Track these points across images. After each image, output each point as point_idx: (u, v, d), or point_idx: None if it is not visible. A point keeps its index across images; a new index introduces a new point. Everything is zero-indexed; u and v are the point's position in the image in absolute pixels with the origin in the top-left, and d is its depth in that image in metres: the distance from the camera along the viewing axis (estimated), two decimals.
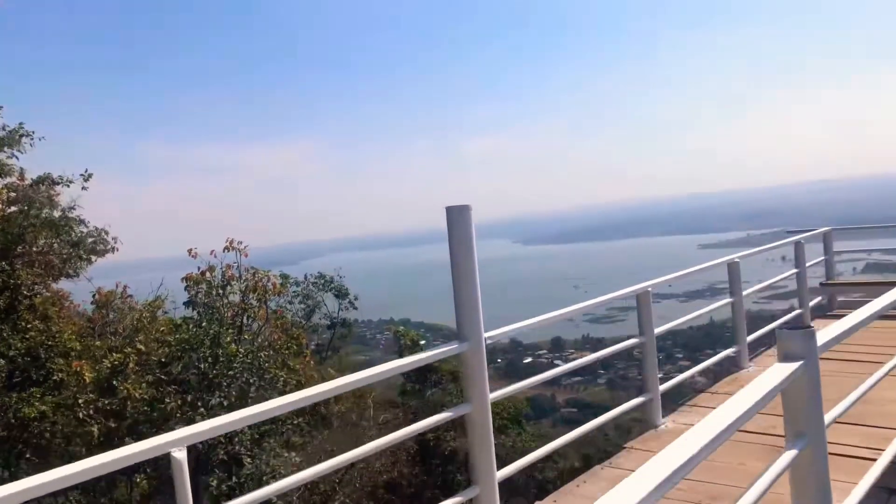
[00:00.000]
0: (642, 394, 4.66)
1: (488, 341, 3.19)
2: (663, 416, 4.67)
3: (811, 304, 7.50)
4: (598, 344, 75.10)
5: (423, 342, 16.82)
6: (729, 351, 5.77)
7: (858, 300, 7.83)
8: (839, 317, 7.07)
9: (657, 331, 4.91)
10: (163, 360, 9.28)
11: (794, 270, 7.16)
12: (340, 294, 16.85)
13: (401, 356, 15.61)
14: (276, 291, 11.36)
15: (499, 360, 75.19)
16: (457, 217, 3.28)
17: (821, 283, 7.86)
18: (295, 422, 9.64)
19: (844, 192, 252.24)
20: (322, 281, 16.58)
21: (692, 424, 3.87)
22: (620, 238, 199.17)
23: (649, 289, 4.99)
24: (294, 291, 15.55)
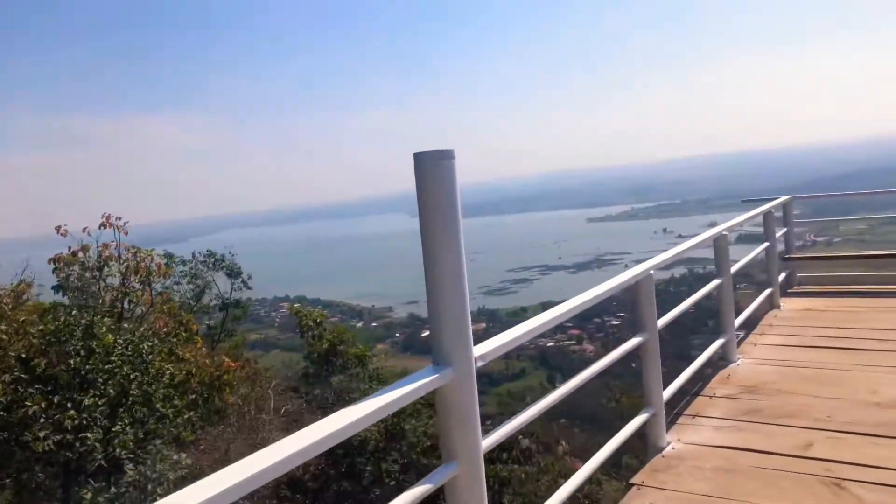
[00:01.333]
0: (645, 408, 3.67)
1: (479, 363, 2.07)
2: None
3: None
4: (493, 315, 76.70)
5: (324, 323, 15.77)
6: (717, 343, 4.93)
7: (820, 276, 7.61)
8: (803, 294, 7.01)
9: (661, 322, 3.80)
10: (23, 355, 7.98)
11: (765, 244, 6.43)
12: (232, 273, 16.06)
13: (302, 336, 14.76)
14: (161, 273, 10.36)
15: (397, 335, 75.61)
16: (432, 169, 1.99)
17: (782, 258, 7.19)
18: (185, 416, 8.49)
19: (719, 167, 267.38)
20: (212, 260, 15.78)
21: (705, 445, 3.65)
22: (514, 212, 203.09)
23: (651, 272, 3.82)
24: (181, 272, 14.71)
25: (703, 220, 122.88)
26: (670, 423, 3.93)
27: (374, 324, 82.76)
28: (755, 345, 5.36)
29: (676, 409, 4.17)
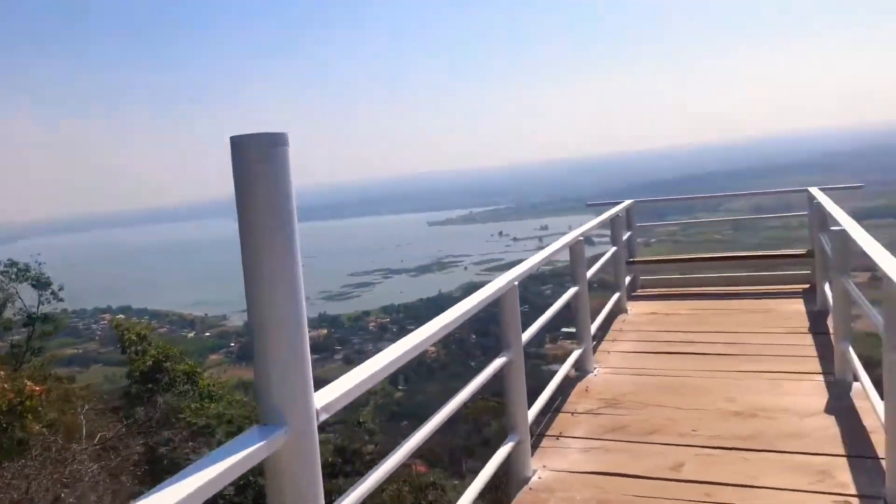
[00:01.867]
0: (510, 435, 3.20)
1: (322, 417, 1.53)
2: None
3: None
4: (335, 320, 75.71)
5: (148, 337, 14.38)
6: (575, 354, 4.66)
7: (664, 279, 7.67)
8: (648, 298, 7.13)
9: (525, 337, 3.43)
10: None
11: (612, 248, 6.25)
12: (39, 284, 14.57)
13: (123, 352, 13.48)
14: None
15: (232, 344, 72.56)
16: (258, 157, 1.46)
17: (627, 262, 7.03)
18: None
19: (553, 172, 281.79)
20: (14, 270, 14.34)
21: (573, 471, 3.35)
22: (352, 216, 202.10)
23: (515, 283, 3.34)
24: None
25: (536, 223, 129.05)
26: (534, 445, 3.65)
27: (206, 333, 78.83)
28: (609, 352, 5.28)
29: (539, 428, 3.89)
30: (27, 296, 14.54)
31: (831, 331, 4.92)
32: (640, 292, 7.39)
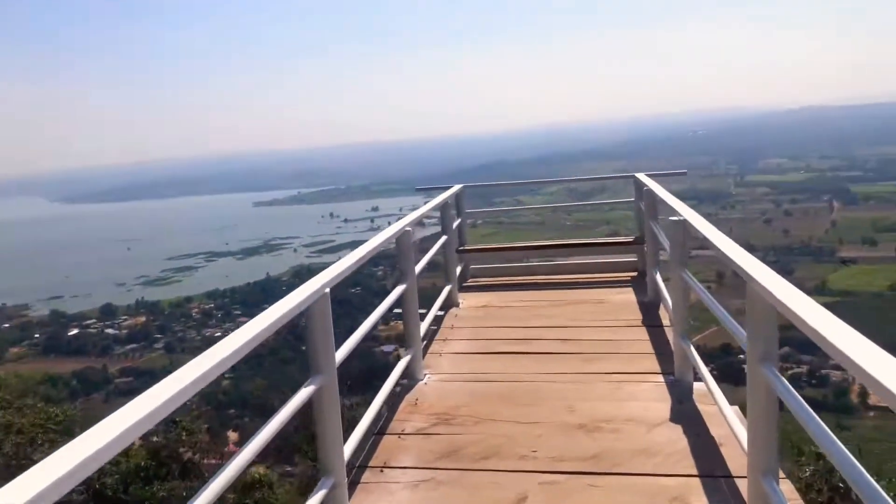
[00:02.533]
0: (322, 480, 2.74)
1: None
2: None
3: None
4: (154, 307, 71.77)
5: None
6: (403, 362, 4.29)
7: (492, 268, 7.45)
8: (479, 288, 6.95)
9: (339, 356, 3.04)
10: None
11: (443, 238, 5.85)
12: None
13: None
14: None
15: (36, 336, 66.55)
16: None
17: (457, 250, 6.65)
18: None
19: (380, 154, 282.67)
20: None
21: None
22: (175, 196, 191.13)
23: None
24: None
25: (366, 204, 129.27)
26: (353, 481, 3.11)
27: (6, 325, 71.71)
28: (440, 354, 4.88)
29: (360, 459, 3.33)
30: None
31: (664, 322, 4.99)
32: (471, 282, 7.12)
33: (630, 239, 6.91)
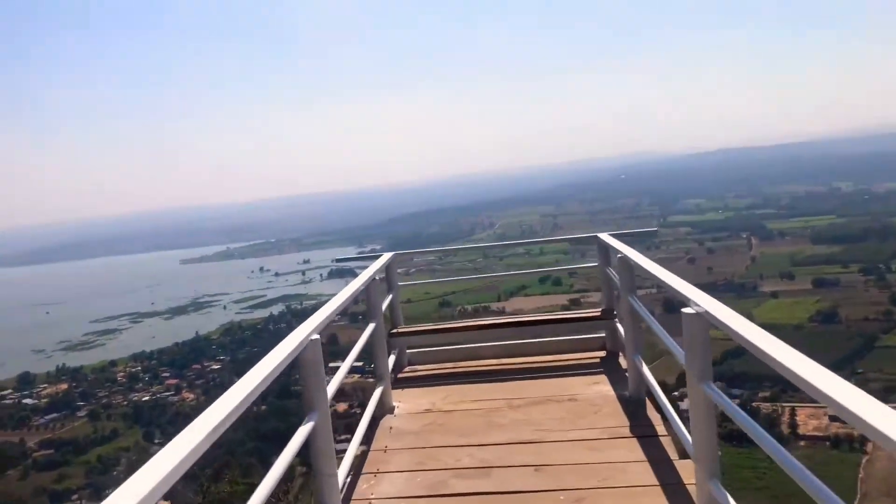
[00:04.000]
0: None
1: None
2: None
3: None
4: (77, 373, 68.57)
5: None
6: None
7: (433, 351, 6.10)
8: (416, 382, 5.51)
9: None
10: None
11: (371, 325, 4.65)
12: None
13: None
14: None
15: None
16: None
17: (390, 333, 5.70)
18: None
19: (308, 207, 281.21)
20: None
21: None
22: (97, 256, 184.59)
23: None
24: None
25: (298, 257, 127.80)
26: None
27: None
28: (371, 498, 3.57)
29: None
30: None
31: (659, 431, 4.05)
32: (408, 371, 5.86)
33: (597, 312, 5.80)
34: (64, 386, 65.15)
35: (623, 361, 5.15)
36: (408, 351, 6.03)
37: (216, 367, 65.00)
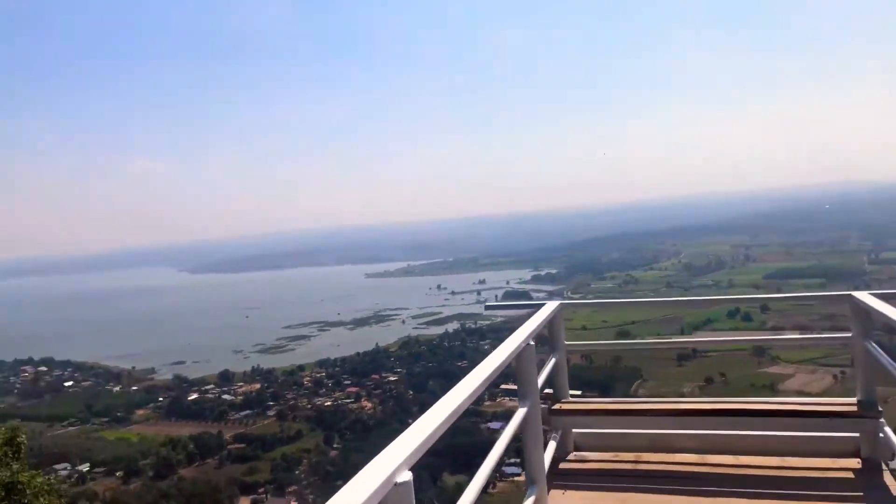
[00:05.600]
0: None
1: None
2: None
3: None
4: (269, 374, 73.90)
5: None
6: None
7: (607, 434, 4.61)
8: (582, 477, 4.17)
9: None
10: None
11: (522, 410, 3.28)
12: None
13: None
14: None
15: (160, 399, 69.80)
16: None
17: (551, 411, 4.43)
18: None
19: (486, 227, 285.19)
20: None
21: None
22: (293, 266, 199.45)
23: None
24: None
25: (473, 277, 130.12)
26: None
27: (134, 387, 75.77)
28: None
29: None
30: None
31: None
32: (572, 460, 4.45)
33: (851, 404, 4.14)
34: (257, 385, 70.54)
35: (891, 480, 3.70)
36: (574, 431, 4.61)
37: (393, 378, 67.35)
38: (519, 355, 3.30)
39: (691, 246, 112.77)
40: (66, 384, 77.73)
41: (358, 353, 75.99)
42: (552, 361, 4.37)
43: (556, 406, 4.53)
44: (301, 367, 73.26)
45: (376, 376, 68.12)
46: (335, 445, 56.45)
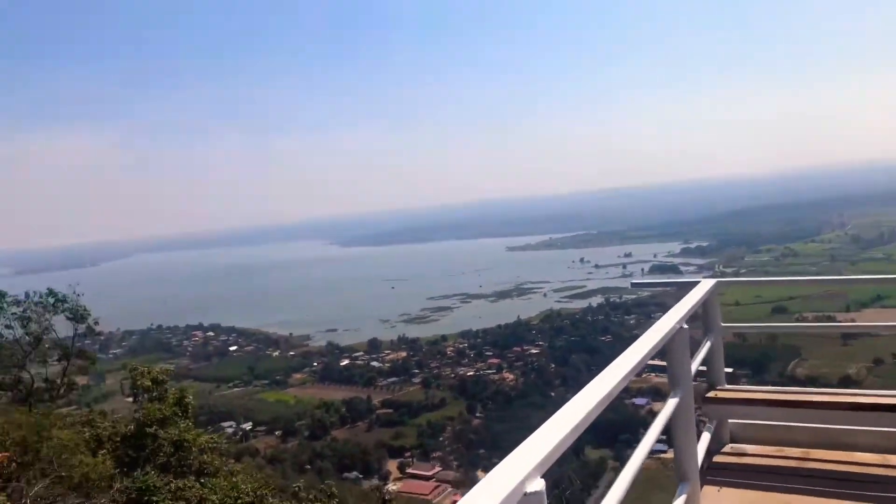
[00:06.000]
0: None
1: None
2: None
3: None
4: (414, 343, 76.18)
5: (167, 382, 12.19)
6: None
7: (769, 426, 4.10)
8: (739, 472, 3.75)
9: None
10: None
11: (674, 400, 2.90)
12: (76, 316, 13.38)
13: (134, 400, 11.64)
14: None
15: (315, 364, 74.03)
16: None
17: (705, 398, 4.05)
18: None
19: (630, 199, 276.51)
20: (52, 301, 13.26)
21: None
22: (437, 240, 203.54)
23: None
24: (14, 314, 12.74)
25: (619, 250, 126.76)
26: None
27: (291, 353, 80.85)
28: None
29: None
30: (64, 328, 13.33)
31: None
32: (728, 453, 3.98)
33: None
34: (403, 354, 73.11)
35: None
36: (730, 422, 4.15)
37: (535, 351, 67.39)
38: (671, 339, 2.99)
39: (860, 216, 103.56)
40: (231, 348, 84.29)
41: (499, 326, 76.61)
42: (707, 345, 3.96)
43: (711, 393, 4.14)
44: (444, 338, 74.99)
45: (518, 348, 68.41)
46: (478, 414, 57.50)
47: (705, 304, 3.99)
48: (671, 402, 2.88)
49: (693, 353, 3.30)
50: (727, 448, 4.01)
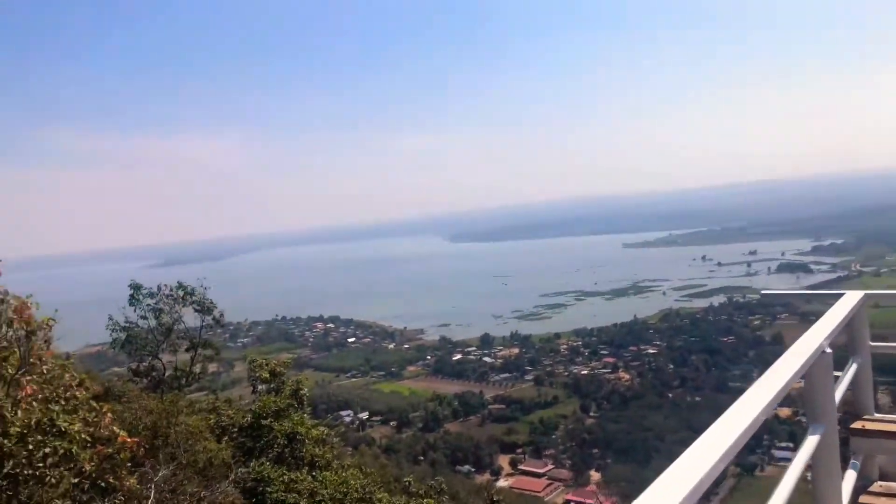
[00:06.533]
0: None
1: None
2: None
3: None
4: (526, 340, 75.79)
5: (284, 374, 12.09)
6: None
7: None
8: None
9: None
10: None
11: (815, 437, 2.47)
12: (203, 308, 14.06)
13: (253, 391, 12.09)
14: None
15: (428, 357, 75.24)
16: None
17: (851, 429, 3.58)
18: None
19: (754, 195, 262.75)
20: (181, 293, 13.95)
21: None
22: (547, 237, 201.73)
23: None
24: (148, 306, 13.66)
25: (743, 247, 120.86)
26: None
27: (405, 346, 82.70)
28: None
29: None
30: (192, 319, 14.23)
31: None
32: (878, 495, 3.46)
33: None
34: (515, 350, 73.02)
35: None
36: (879, 456, 3.60)
37: (652, 351, 65.52)
38: (812, 364, 2.54)
39: None
40: (350, 340, 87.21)
41: (615, 324, 75.02)
42: (852, 368, 3.41)
43: (858, 424, 3.59)
44: (557, 335, 74.24)
45: (634, 348, 66.74)
46: (592, 414, 56.53)
47: (851, 320, 3.39)
48: (811, 440, 2.48)
49: (836, 380, 2.92)
50: (875, 487, 3.54)
